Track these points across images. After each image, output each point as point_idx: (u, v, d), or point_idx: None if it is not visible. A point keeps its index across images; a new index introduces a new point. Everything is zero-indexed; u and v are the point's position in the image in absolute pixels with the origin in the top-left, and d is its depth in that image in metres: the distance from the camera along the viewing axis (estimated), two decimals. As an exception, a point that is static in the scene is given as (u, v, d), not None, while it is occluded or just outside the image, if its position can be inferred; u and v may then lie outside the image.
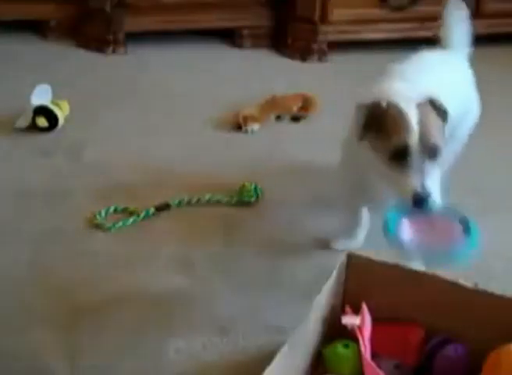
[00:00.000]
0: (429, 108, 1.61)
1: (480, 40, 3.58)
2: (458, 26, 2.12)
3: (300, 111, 2.76)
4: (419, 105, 1.60)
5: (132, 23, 3.32)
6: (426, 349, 1.55)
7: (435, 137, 1.59)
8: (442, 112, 1.63)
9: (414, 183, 1.57)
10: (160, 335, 1.66)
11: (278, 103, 2.74)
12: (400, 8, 3.38)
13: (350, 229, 1.95)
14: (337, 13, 3.31)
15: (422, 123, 1.57)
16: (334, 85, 3.09)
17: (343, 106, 2.87)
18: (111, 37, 3.30)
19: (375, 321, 1.54)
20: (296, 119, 2.75)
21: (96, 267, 1.88)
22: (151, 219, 2.09)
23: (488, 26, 3.52)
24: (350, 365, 1.52)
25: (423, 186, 1.56)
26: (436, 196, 1.58)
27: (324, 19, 3.32)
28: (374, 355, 1.50)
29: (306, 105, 2.76)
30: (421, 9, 3.39)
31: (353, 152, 1.76)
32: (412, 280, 1.57)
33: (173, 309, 1.75)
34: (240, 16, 3.45)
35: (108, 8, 3.28)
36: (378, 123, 1.60)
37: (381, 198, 1.82)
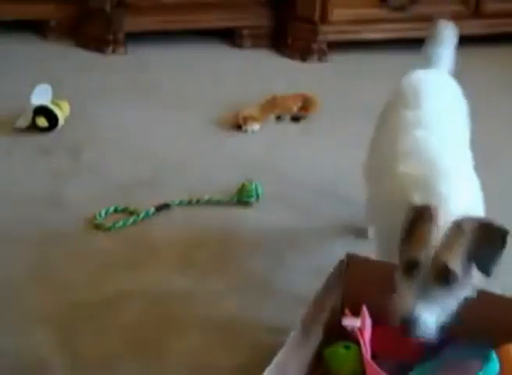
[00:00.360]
0: (462, 230, 1.40)
1: (480, 40, 3.59)
2: (446, 44, 2.03)
3: (300, 111, 2.76)
4: (453, 223, 1.40)
5: (132, 23, 3.32)
6: (426, 349, 1.54)
7: (452, 261, 1.37)
8: (475, 240, 1.41)
9: (406, 302, 1.38)
10: (160, 335, 1.66)
11: (278, 103, 2.74)
12: (400, 8, 3.38)
13: None
14: (337, 13, 3.31)
15: (445, 242, 1.38)
16: (334, 85, 3.09)
17: (343, 106, 2.89)
18: (111, 37, 3.30)
19: (375, 322, 1.54)
20: (296, 119, 2.75)
21: (96, 267, 1.88)
22: (151, 219, 2.09)
23: (488, 26, 3.53)
24: (351, 366, 1.52)
25: (414, 309, 1.36)
26: (428, 325, 1.37)
27: (324, 19, 3.32)
28: (374, 356, 1.50)
29: (306, 105, 2.76)
30: (421, 9, 3.39)
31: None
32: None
33: (173, 309, 1.75)
34: (240, 16, 3.45)
35: (108, 8, 3.28)
36: (409, 225, 1.43)
37: None
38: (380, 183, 1.68)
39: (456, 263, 1.37)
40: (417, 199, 1.45)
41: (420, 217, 1.41)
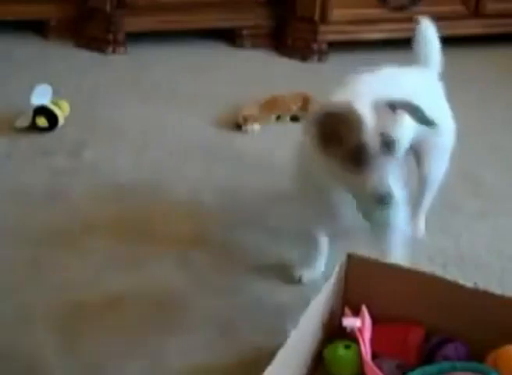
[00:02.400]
0: (385, 106, 1.56)
1: (480, 40, 3.59)
2: (431, 43, 2.09)
3: (300, 111, 2.76)
4: (373, 104, 1.54)
5: (132, 23, 3.32)
6: (426, 349, 1.55)
7: (391, 131, 1.53)
8: (400, 106, 1.58)
9: (374, 181, 1.51)
10: (160, 335, 1.66)
11: (278, 103, 2.74)
12: (400, 8, 3.38)
13: (311, 258, 1.87)
14: (337, 13, 3.32)
15: (377, 119, 1.52)
16: (334, 85, 3.09)
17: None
18: (111, 37, 3.30)
19: (375, 322, 1.54)
20: (296, 119, 2.75)
21: (96, 267, 1.88)
22: (150, 219, 2.09)
23: (488, 26, 3.53)
24: (351, 366, 1.52)
25: (383, 183, 1.50)
26: (395, 191, 1.51)
27: (324, 19, 3.32)
28: (374, 356, 1.51)
29: (306, 105, 2.76)
30: (421, 9, 3.39)
31: (309, 167, 1.70)
32: (412, 281, 1.57)
33: (173, 309, 1.75)
34: (239, 16, 3.45)
35: (107, 8, 3.28)
36: (334, 128, 1.54)
37: (342, 220, 1.78)
38: None
39: (395, 131, 1.54)
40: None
41: (342, 114, 1.53)
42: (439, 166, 2.01)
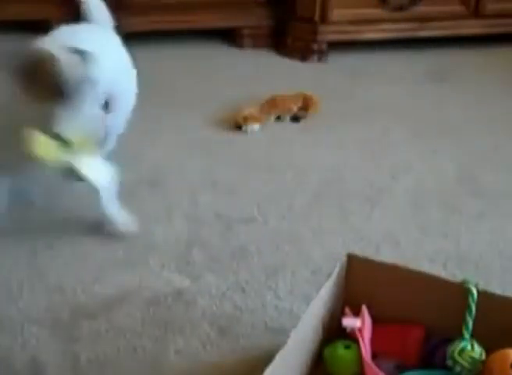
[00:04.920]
0: (73, 53, 1.73)
1: (480, 40, 3.59)
2: (97, 7, 2.33)
3: (300, 111, 2.76)
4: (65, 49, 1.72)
5: (131, 23, 3.31)
6: (426, 349, 1.55)
7: (73, 74, 1.70)
8: (83, 55, 1.74)
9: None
10: (160, 335, 1.66)
11: (278, 103, 2.74)
12: (400, 8, 3.38)
13: None
14: (337, 13, 3.31)
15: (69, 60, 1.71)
16: (334, 85, 3.09)
17: (343, 106, 2.89)
18: (111, 37, 3.29)
19: (375, 322, 1.55)
20: (296, 119, 2.75)
21: (96, 267, 1.88)
22: (150, 218, 2.09)
23: (488, 26, 3.53)
24: (351, 366, 1.52)
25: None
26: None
27: (324, 19, 3.32)
28: (374, 356, 1.51)
29: (306, 105, 2.76)
30: (421, 9, 3.39)
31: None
32: (412, 281, 1.57)
33: (173, 309, 1.75)
34: (239, 16, 3.45)
35: (107, 8, 3.28)
36: (35, 71, 1.70)
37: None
38: None
39: (76, 75, 1.72)
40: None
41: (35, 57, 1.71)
42: (121, 115, 2.13)
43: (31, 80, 1.70)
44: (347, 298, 1.61)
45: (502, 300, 1.52)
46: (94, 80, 1.74)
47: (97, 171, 1.84)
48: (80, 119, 1.72)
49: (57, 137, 1.71)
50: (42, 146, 1.69)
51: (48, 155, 1.71)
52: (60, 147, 1.71)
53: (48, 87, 1.70)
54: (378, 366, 1.45)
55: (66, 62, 1.71)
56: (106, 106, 1.81)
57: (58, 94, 1.70)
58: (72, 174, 1.81)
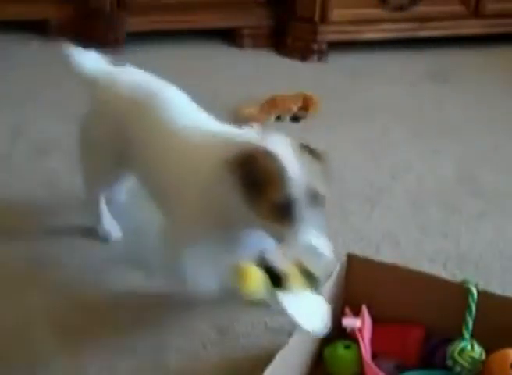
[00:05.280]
0: (305, 153, 1.46)
1: (480, 40, 3.59)
2: None
3: (300, 111, 2.76)
4: (294, 148, 1.45)
5: (132, 23, 3.32)
6: (426, 349, 1.55)
7: (319, 184, 1.44)
8: (318, 155, 1.48)
9: (296, 236, 1.39)
10: (160, 335, 1.66)
11: (278, 103, 2.74)
12: (400, 8, 3.38)
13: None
14: (337, 13, 3.31)
15: (301, 169, 1.42)
16: (334, 85, 3.09)
17: (342, 106, 2.89)
18: (111, 37, 3.30)
19: (375, 322, 1.55)
20: (296, 119, 2.75)
21: (96, 267, 1.88)
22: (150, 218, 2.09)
23: (488, 26, 3.53)
24: (351, 366, 1.52)
25: (309, 239, 1.40)
26: (325, 246, 1.41)
27: (324, 19, 3.32)
28: (374, 356, 1.51)
29: (306, 105, 2.76)
30: (421, 9, 3.39)
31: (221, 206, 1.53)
32: (412, 281, 1.57)
33: (173, 309, 1.75)
34: (239, 16, 3.45)
35: (108, 8, 3.28)
36: (256, 177, 1.42)
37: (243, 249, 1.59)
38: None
39: (321, 184, 1.44)
40: (230, 154, 1.45)
41: (257, 162, 1.42)
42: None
43: (254, 192, 1.42)
44: (347, 298, 1.61)
45: (502, 300, 1.52)
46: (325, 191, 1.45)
47: (309, 312, 1.40)
48: (298, 247, 1.40)
49: (270, 270, 1.39)
50: (252, 280, 1.37)
51: (258, 291, 1.38)
52: (269, 280, 1.38)
53: (272, 205, 1.41)
54: (378, 366, 1.45)
55: (296, 175, 1.40)
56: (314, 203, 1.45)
57: (284, 214, 1.41)
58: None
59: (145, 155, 1.72)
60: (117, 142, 1.78)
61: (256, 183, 1.42)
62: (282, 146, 1.45)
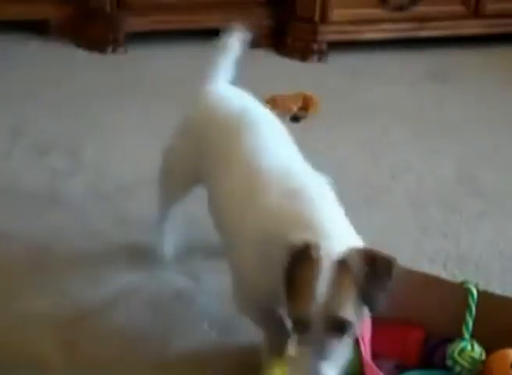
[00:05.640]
0: (348, 269, 1.27)
1: (480, 40, 3.59)
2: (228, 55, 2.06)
3: (300, 111, 2.76)
4: (336, 264, 1.27)
5: (132, 23, 3.32)
6: (426, 349, 1.55)
7: (344, 310, 1.25)
8: (383, 265, 1.32)
9: (307, 362, 1.26)
10: (160, 335, 1.66)
11: (278, 103, 2.74)
12: (400, 8, 3.38)
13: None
14: (337, 13, 3.32)
15: (332, 288, 1.25)
16: (334, 85, 3.09)
17: (342, 106, 2.89)
18: (111, 37, 3.30)
19: (375, 321, 1.54)
20: (296, 119, 2.75)
21: (96, 267, 1.88)
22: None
23: (488, 26, 3.53)
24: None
25: (316, 367, 1.25)
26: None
27: (324, 19, 3.33)
28: (374, 356, 1.50)
29: (306, 105, 2.76)
30: (421, 9, 3.40)
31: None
32: (412, 281, 1.57)
33: (173, 309, 1.75)
34: (240, 16, 3.45)
35: (108, 8, 3.28)
36: (294, 277, 1.29)
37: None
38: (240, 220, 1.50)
39: (348, 311, 1.26)
40: (296, 237, 1.30)
41: (301, 260, 1.27)
42: None
43: (287, 287, 1.29)
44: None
45: (502, 300, 1.52)
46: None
47: None
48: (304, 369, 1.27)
49: None
50: None
51: None
52: None
53: (292, 314, 1.30)
54: (378, 366, 1.45)
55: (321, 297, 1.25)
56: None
57: (298, 331, 1.28)
58: None
59: (217, 184, 1.64)
60: (198, 160, 1.76)
61: (290, 282, 1.29)
62: (335, 252, 1.28)
